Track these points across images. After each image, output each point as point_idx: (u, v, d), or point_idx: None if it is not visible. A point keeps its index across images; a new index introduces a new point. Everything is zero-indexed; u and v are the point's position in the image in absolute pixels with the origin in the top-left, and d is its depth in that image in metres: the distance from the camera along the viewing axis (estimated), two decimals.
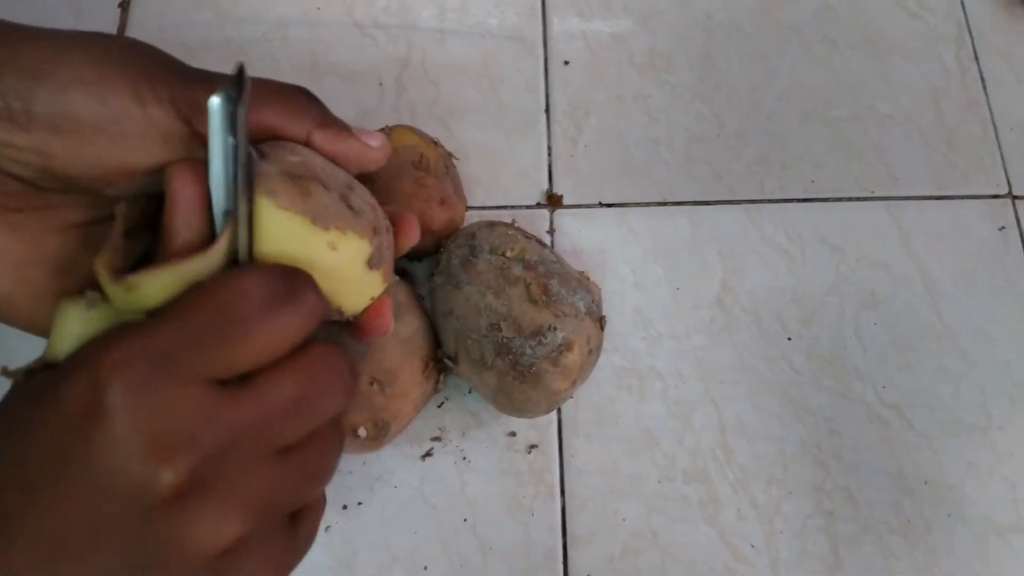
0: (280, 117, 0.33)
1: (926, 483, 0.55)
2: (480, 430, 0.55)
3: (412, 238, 0.39)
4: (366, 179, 0.55)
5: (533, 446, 0.55)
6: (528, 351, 0.48)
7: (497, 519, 0.53)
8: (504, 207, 0.61)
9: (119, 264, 0.30)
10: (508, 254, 0.51)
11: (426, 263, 0.57)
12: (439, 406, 0.55)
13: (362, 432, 0.49)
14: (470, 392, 0.55)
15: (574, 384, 0.50)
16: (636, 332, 0.57)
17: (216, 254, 0.29)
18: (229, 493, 0.27)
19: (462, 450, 0.54)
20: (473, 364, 0.50)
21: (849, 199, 0.61)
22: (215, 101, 0.29)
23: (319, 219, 0.31)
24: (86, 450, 0.26)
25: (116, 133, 0.30)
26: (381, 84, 0.64)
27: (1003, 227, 0.61)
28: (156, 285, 0.29)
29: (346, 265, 0.33)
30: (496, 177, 0.61)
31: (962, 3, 0.68)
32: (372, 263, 0.35)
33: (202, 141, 0.31)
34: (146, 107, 0.30)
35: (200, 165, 0.30)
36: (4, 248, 0.31)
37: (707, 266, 0.59)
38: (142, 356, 0.26)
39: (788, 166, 0.62)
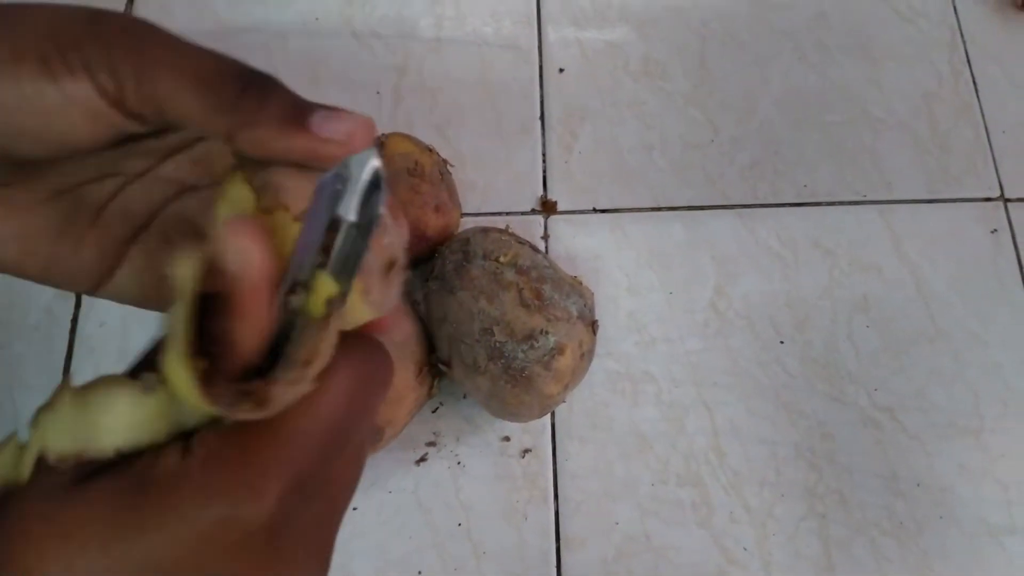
0: (189, 106, 0.27)
1: (919, 485, 0.55)
2: (474, 435, 0.55)
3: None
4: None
5: (527, 450, 0.55)
6: (520, 355, 0.49)
7: (491, 523, 0.53)
8: (499, 213, 0.61)
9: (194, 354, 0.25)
10: (501, 259, 0.51)
11: (421, 269, 0.58)
12: (434, 411, 0.56)
13: None
14: (465, 397, 0.56)
15: (567, 388, 0.51)
16: (630, 336, 0.58)
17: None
18: None
19: (456, 455, 0.55)
20: (466, 369, 0.50)
21: (842, 203, 0.62)
22: (350, 167, 0.25)
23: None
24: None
25: (40, 113, 0.27)
26: (379, 93, 0.65)
27: (995, 230, 0.61)
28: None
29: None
30: (492, 183, 0.62)
31: (955, 8, 0.68)
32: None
33: (132, 116, 0.27)
34: (59, 82, 0.27)
35: (259, 228, 0.25)
36: (1, 222, 0.30)
37: (701, 271, 0.60)
38: (290, 483, 0.24)
39: (781, 171, 0.62)
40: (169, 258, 0.26)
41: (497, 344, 0.49)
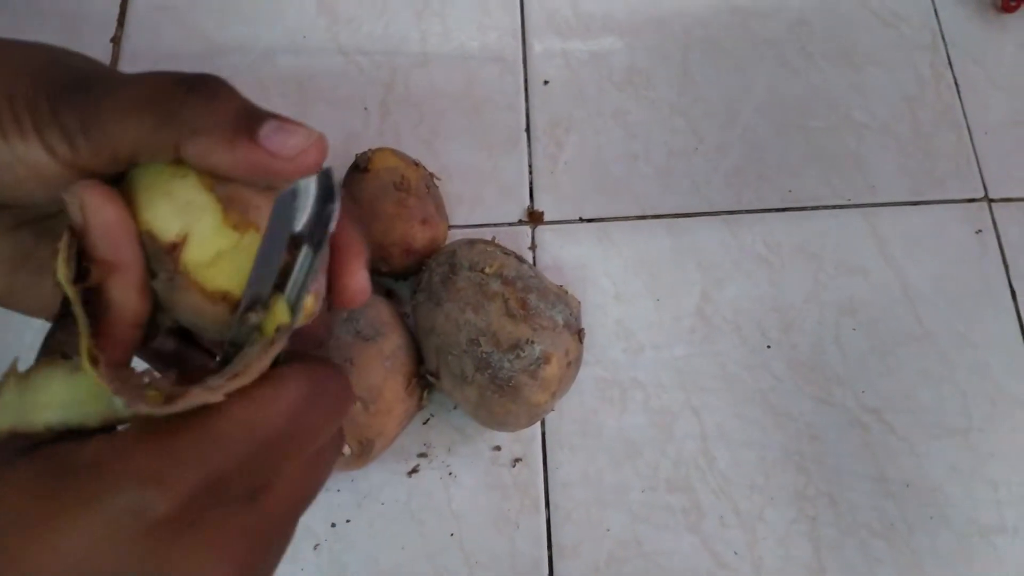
0: (138, 128, 0.26)
1: (908, 486, 0.55)
2: (465, 445, 0.56)
3: (350, 288, 0.30)
4: (351, 200, 0.57)
5: (518, 459, 0.56)
6: (507, 365, 0.49)
7: (483, 533, 0.54)
8: (487, 225, 0.62)
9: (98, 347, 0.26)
10: (487, 270, 0.52)
11: (410, 282, 0.59)
12: (425, 422, 0.56)
13: (347, 450, 0.50)
14: (455, 408, 0.56)
15: (554, 396, 0.51)
16: (618, 344, 0.58)
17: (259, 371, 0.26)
18: None
19: (448, 465, 0.55)
20: (454, 380, 0.51)
21: (826, 207, 0.62)
22: (299, 189, 0.25)
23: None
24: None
25: None
26: (366, 108, 0.66)
27: (980, 230, 0.61)
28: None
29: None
30: (479, 195, 0.63)
31: (935, 11, 0.69)
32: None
33: (81, 173, 0.27)
34: (8, 141, 0.26)
35: (105, 185, 0.26)
36: None
37: (687, 277, 0.60)
38: (196, 482, 0.24)
39: (765, 177, 0.63)
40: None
41: (484, 354, 0.49)
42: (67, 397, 0.25)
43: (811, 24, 0.68)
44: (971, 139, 0.64)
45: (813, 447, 0.56)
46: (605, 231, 0.62)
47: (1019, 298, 0.60)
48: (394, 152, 0.58)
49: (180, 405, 0.24)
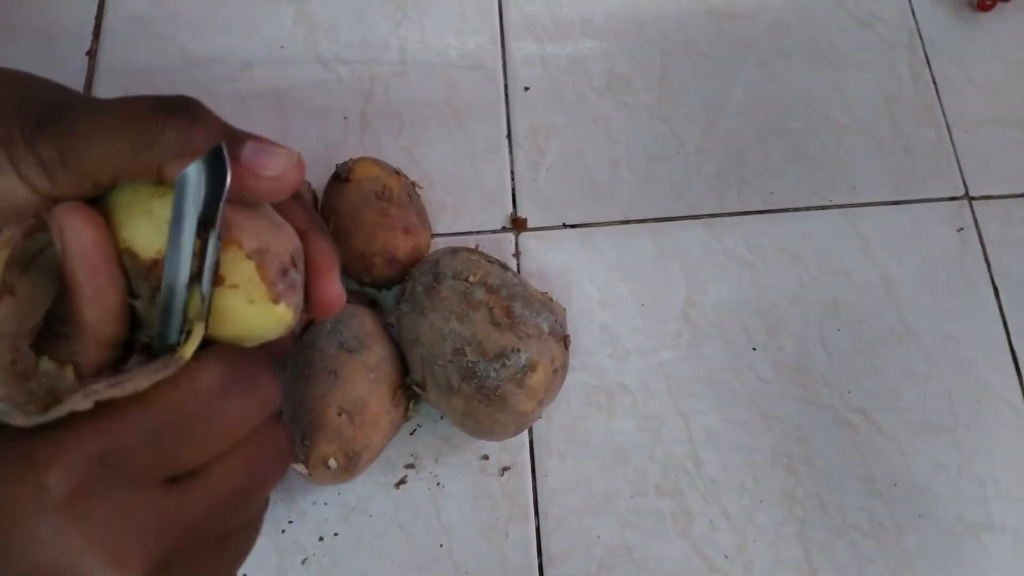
0: (117, 154, 0.26)
1: (896, 485, 0.55)
2: (453, 455, 0.55)
3: (328, 295, 0.32)
4: (332, 213, 0.56)
5: (506, 468, 0.55)
6: (493, 374, 0.49)
7: (473, 543, 0.53)
8: (470, 232, 0.62)
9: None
10: (471, 279, 0.51)
11: (393, 291, 0.58)
12: (411, 433, 0.56)
13: (332, 463, 0.49)
14: (441, 418, 0.56)
15: (541, 404, 0.51)
16: (604, 349, 0.58)
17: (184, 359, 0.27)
18: None
19: (436, 476, 0.55)
20: (440, 390, 0.51)
21: (808, 209, 0.62)
22: (189, 175, 0.26)
23: (273, 300, 0.29)
24: (33, 556, 0.24)
25: None
26: (346, 118, 0.65)
27: (961, 228, 0.62)
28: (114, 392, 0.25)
29: (280, 326, 0.30)
30: (462, 203, 0.62)
31: (912, 11, 0.69)
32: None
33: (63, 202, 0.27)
34: None
35: (86, 207, 0.27)
36: None
37: (671, 281, 0.60)
38: (93, 458, 0.24)
39: (747, 179, 0.63)
40: None
41: (469, 364, 0.49)
42: None
43: (789, 26, 0.69)
44: (951, 138, 0.64)
45: (801, 448, 0.56)
46: (588, 237, 0.61)
47: (1001, 295, 0.60)
48: (375, 161, 0.58)
49: (52, 414, 0.25)
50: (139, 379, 0.25)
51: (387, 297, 0.59)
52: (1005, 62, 0.67)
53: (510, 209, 0.62)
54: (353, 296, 0.57)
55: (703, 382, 0.57)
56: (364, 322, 0.53)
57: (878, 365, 0.58)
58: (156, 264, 0.27)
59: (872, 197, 0.63)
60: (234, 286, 0.27)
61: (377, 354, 0.52)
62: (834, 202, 0.62)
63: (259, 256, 0.28)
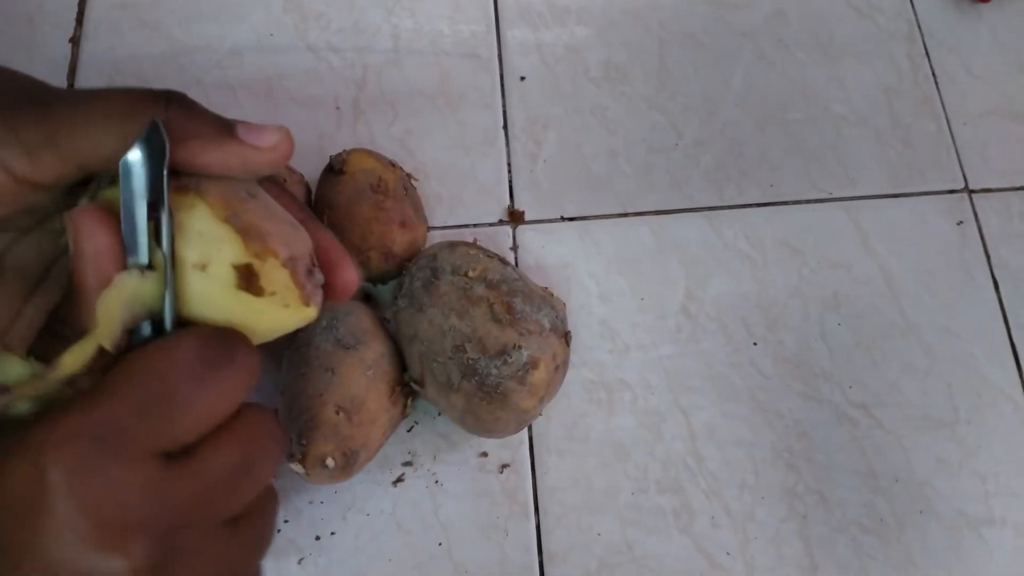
0: (117, 138, 0.28)
1: (897, 481, 0.55)
2: (451, 452, 0.55)
3: (347, 283, 0.34)
4: (326, 206, 0.55)
5: (505, 465, 0.54)
6: (494, 371, 0.48)
7: (472, 541, 0.53)
8: (467, 225, 0.60)
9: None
10: (470, 274, 0.50)
11: (390, 286, 0.57)
12: (409, 430, 0.55)
13: (330, 462, 0.48)
14: (440, 414, 0.55)
15: (542, 401, 0.50)
16: (603, 345, 0.58)
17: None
18: (190, 574, 0.26)
19: (434, 474, 0.54)
20: (440, 387, 0.50)
21: (808, 201, 0.62)
22: (131, 159, 0.27)
23: (305, 303, 0.31)
24: (33, 540, 0.24)
25: None
26: (338, 108, 0.64)
27: (961, 221, 0.61)
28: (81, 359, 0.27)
29: (305, 323, 0.32)
30: (458, 196, 0.61)
31: (911, 1, 0.69)
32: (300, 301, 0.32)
33: (35, 188, 0.28)
34: None
35: (103, 211, 0.28)
36: None
37: (670, 275, 0.59)
38: (86, 435, 0.25)
39: (746, 172, 0.62)
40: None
41: (470, 361, 0.48)
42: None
43: (787, 16, 0.68)
44: (950, 129, 0.64)
45: (802, 444, 0.55)
46: (587, 229, 0.61)
47: (1001, 288, 0.60)
48: (370, 153, 0.57)
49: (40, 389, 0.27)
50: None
51: (383, 292, 0.58)
52: (1004, 53, 0.67)
53: (507, 202, 0.61)
54: None
55: (703, 377, 0.57)
56: (361, 318, 0.52)
57: (878, 360, 0.58)
58: (152, 266, 0.28)
59: (871, 190, 0.62)
60: (273, 294, 0.29)
61: (375, 351, 0.51)
62: (833, 195, 0.62)
63: (292, 264, 0.30)
